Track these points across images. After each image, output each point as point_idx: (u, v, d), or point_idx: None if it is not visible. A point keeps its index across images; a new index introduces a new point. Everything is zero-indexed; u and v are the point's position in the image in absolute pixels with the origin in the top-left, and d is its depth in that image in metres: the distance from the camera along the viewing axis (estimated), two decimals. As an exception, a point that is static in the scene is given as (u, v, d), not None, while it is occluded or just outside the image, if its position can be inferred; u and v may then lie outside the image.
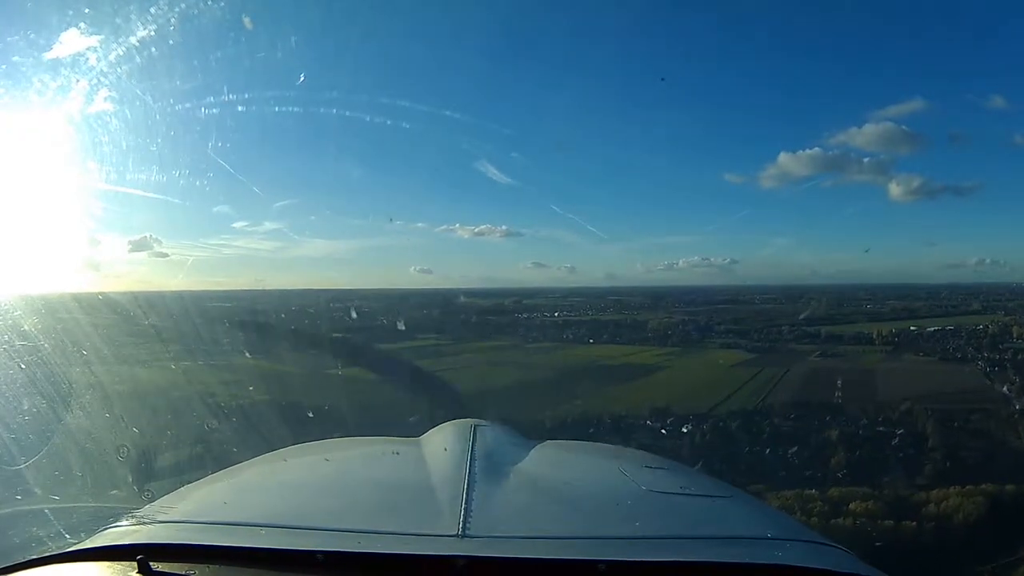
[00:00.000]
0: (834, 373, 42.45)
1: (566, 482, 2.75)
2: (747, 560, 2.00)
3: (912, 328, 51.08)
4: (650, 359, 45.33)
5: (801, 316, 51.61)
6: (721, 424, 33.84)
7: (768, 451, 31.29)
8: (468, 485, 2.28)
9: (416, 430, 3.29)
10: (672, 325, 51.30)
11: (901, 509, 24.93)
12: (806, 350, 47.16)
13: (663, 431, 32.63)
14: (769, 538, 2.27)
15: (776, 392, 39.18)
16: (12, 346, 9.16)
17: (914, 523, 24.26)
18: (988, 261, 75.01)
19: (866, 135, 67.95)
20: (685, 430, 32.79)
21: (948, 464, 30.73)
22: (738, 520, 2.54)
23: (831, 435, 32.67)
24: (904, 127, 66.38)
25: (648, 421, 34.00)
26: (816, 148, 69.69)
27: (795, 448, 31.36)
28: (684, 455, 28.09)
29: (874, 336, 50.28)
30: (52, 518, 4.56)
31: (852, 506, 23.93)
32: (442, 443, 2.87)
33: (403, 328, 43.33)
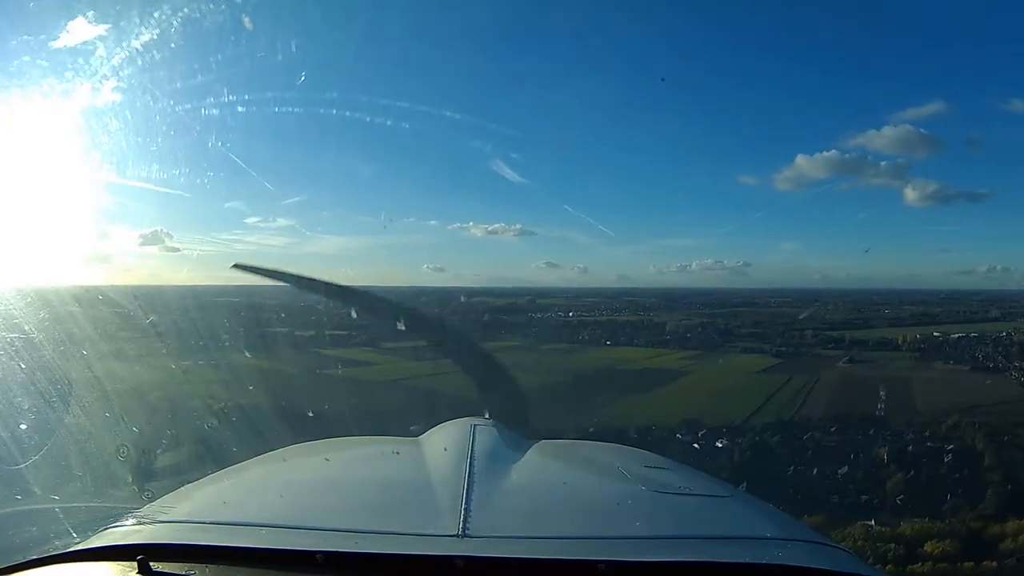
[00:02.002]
0: (867, 381, 38.76)
1: (566, 482, 2.60)
2: (747, 560, 1.89)
3: (936, 334, 47.93)
4: (672, 363, 41.12)
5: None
6: (758, 438, 29.60)
7: (815, 471, 27.03)
8: (468, 485, 2.18)
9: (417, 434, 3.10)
10: (691, 327, 47.66)
11: (977, 547, 21.07)
12: (833, 356, 43.62)
13: (696, 445, 28.35)
14: (769, 538, 2.15)
15: (811, 402, 35.03)
16: (12, 345, 8.80)
17: (994, 563, 20.50)
18: (999, 268, 70.22)
19: (884, 138, 64.59)
20: (720, 445, 28.58)
21: (1010, 487, 26.60)
22: (738, 520, 2.41)
23: (880, 453, 28.51)
24: (922, 130, 62.85)
25: (679, 434, 29.70)
26: (833, 150, 65.79)
27: (844, 468, 27.09)
28: (724, 475, 23.89)
29: (899, 342, 47.09)
30: (52, 518, 4.16)
31: (928, 547, 20.03)
32: (441, 443, 2.75)
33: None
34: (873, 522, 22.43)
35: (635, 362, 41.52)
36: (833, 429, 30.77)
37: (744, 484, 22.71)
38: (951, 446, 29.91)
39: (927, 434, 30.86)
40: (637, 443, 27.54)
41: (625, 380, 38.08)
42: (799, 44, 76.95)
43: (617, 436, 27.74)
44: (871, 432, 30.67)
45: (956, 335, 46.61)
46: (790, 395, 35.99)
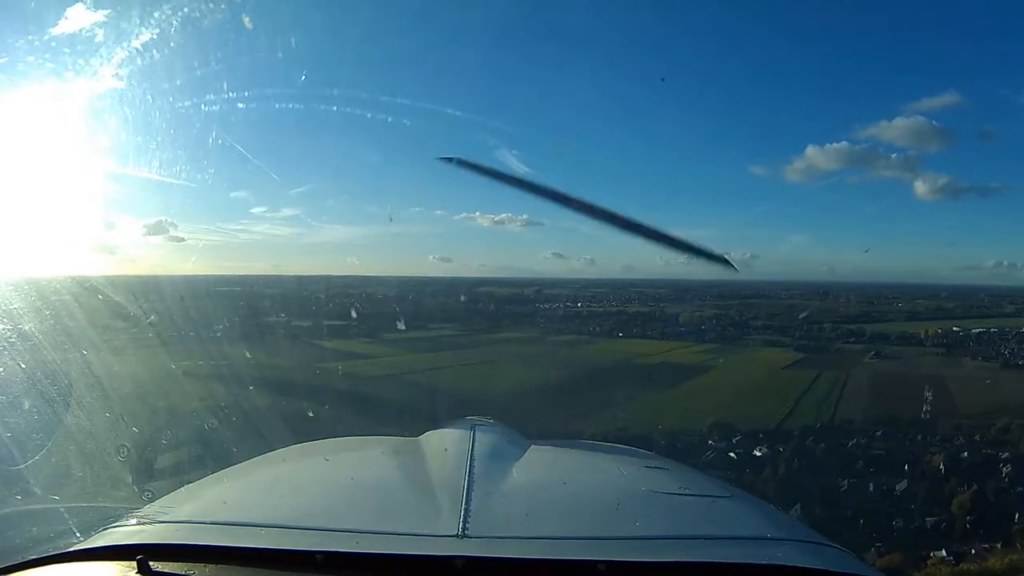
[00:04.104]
0: (901, 379, 35.05)
1: (565, 482, 2.44)
2: (747, 560, 1.81)
3: (955, 329, 44.35)
4: (691, 357, 37.14)
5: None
6: (800, 446, 25.58)
7: (871, 486, 23.05)
8: (468, 485, 2.09)
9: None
10: (705, 319, 43.93)
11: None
12: (857, 350, 39.99)
13: (732, 454, 24.35)
14: (769, 538, 2.06)
15: (845, 402, 31.12)
16: (11, 340, 8.32)
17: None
18: (1006, 263, 66.33)
19: (896, 129, 61.68)
20: (759, 453, 24.56)
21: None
22: (738, 520, 2.28)
23: (935, 463, 24.59)
24: (935, 122, 59.58)
25: (711, 440, 25.63)
26: (844, 142, 61.79)
27: (903, 483, 23.11)
28: (770, 492, 19.97)
29: (922, 336, 43.50)
30: (52, 518, 3.88)
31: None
32: (442, 443, 2.63)
33: (418, 318, 36.94)
34: (944, 552, 18.54)
35: (651, 356, 37.50)
36: (879, 434, 26.84)
37: (798, 506, 18.85)
38: (1005, 453, 26.10)
39: (978, 439, 27.04)
40: (665, 449, 23.55)
41: (642, 375, 34.06)
42: (811, 33, 72.63)
43: (643, 443, 23.77)
44: (919, 438, 26.80)
45: (976, 330, 43.36)
46: (822, 394, 32.10)
